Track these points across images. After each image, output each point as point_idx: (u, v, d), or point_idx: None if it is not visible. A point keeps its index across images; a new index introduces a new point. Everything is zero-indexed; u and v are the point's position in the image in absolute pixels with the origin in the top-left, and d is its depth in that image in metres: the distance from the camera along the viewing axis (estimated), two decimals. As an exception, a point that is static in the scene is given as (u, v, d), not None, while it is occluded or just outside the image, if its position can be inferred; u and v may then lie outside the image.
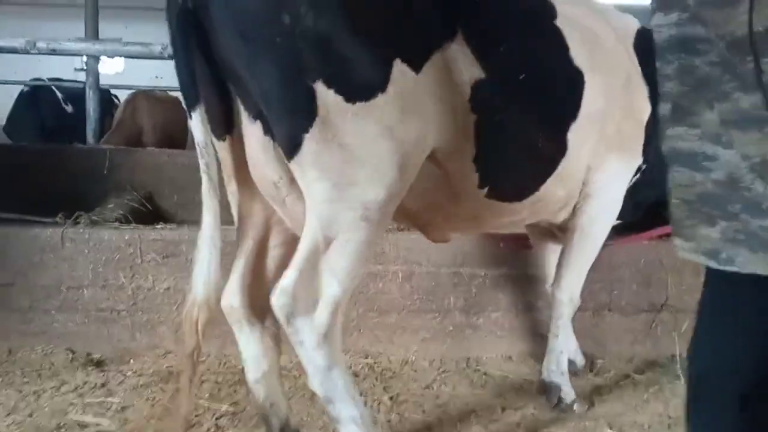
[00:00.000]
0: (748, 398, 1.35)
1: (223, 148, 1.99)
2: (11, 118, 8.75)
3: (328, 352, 1.91)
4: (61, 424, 2.44)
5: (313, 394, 2.15)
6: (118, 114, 7.24)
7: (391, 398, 2.77)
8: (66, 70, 11.92)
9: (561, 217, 2.65)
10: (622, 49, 2.56)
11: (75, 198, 3.79)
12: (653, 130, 2.49)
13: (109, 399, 2.65)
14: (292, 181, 1.92)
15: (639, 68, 2.55)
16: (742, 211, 1.24)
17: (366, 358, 3.15)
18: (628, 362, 3.29)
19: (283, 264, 2.02)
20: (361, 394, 2.74)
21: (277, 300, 1.86)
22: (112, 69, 14.50)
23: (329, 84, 1.76)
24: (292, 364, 2.82)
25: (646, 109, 2.55)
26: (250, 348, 2.16)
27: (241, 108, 1.92)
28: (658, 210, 2.52)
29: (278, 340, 2.19)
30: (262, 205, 2.11)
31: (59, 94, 8.78)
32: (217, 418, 2.54)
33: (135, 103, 7.16)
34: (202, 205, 1.91)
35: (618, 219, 2.73)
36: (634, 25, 2.72)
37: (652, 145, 2.54)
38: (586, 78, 2.35)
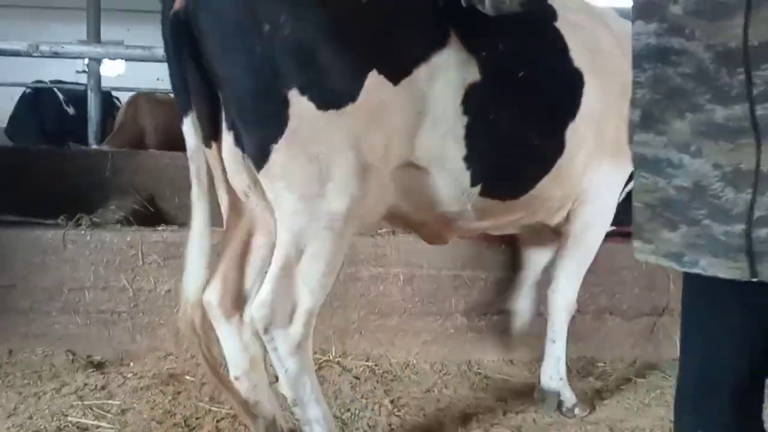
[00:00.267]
0: (735, 395, 1.38)
1: (209, 155, 2.04)
2: (13, 119, 8.78)
3: (299, 359, 2.01)
4: (62, 426, 2.43)
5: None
6: (119, 116, 7.25)
7: (392, 401, 2.76)
8: (67, 72, 11.95)
9: (557, 218, 2.66)
10: (621, 54, 2.56)
11: (76, 200, 3.79)
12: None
13: (110, 401, 2.64)
14: (263, 192, 1.98)
15: None
16: (706, 217, 1.28)
17: (367, 360, 3.14)
18: (630, 366, 3.29)
19: (266, 264, 2.08)
20: (362, 397, 2.77)
21: (257, 312, 1.94)
22: (113, 71, 14.51)
23: (303, 91, 1.81)
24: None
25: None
26: (229, 344, 2.20)
27: (223, 116, 1.98)
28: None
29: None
30: (249, 208, 2.16)
31: (61, 96, 8.82)
32: (217, 421, 2.53)
33: (136, 105, 7.17)
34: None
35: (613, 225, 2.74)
36: None
37: None
38: (585, 81, 2.37)
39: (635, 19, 1.40)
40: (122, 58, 7.75)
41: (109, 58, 6.85)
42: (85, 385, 2.77)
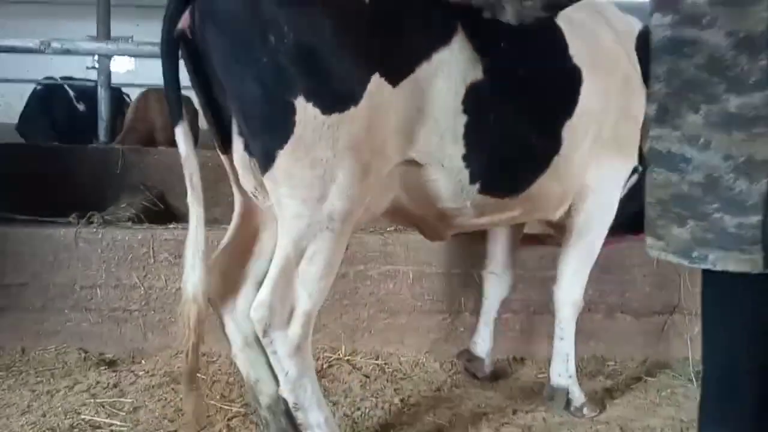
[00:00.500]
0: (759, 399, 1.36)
1: (226, 161, 2.16)
2: (24, 116, 8.80)
3: (299, 361, 2.02)
4: (75, 423, 2.46)
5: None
6: (129, 113, 7.26)
7: (401, 400, 2.77)
8: (77, 68, 11.98)
9: (558, 214, 2.66)
10: (622, 50, 2.56)
11: (88, 197, 3.81)
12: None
13: (122, 399, 2.66)
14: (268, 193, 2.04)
15: (639, 69, 2.54)
16: (718, 211, 1.28)
17: (377, 359, 3.15)
18: (640, 365, 3.27)
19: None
20: (372, 396, 2.77)
21: (256, 313, 1.97)
22: (123, 67, 14.58)
23: (308, 98, 1.85)
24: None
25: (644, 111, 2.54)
26: (230, 327, 2.28)
27: (234, 123, 2.04)
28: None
29: None
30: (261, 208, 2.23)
31: (71, 93, 8.84)
32: (228, 419, 2.54)
33: (146, 101, 7.18)
34: (205, 204, 2.08)
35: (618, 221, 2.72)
36: (636, 25, 2.70)
37: None
38: (584, 77, 2.37)
39: (652, 12, 1.39)
40: (133, 55, 7.80)
41: (120, 55, 6.86)
42: (98, 382, 2.79)
